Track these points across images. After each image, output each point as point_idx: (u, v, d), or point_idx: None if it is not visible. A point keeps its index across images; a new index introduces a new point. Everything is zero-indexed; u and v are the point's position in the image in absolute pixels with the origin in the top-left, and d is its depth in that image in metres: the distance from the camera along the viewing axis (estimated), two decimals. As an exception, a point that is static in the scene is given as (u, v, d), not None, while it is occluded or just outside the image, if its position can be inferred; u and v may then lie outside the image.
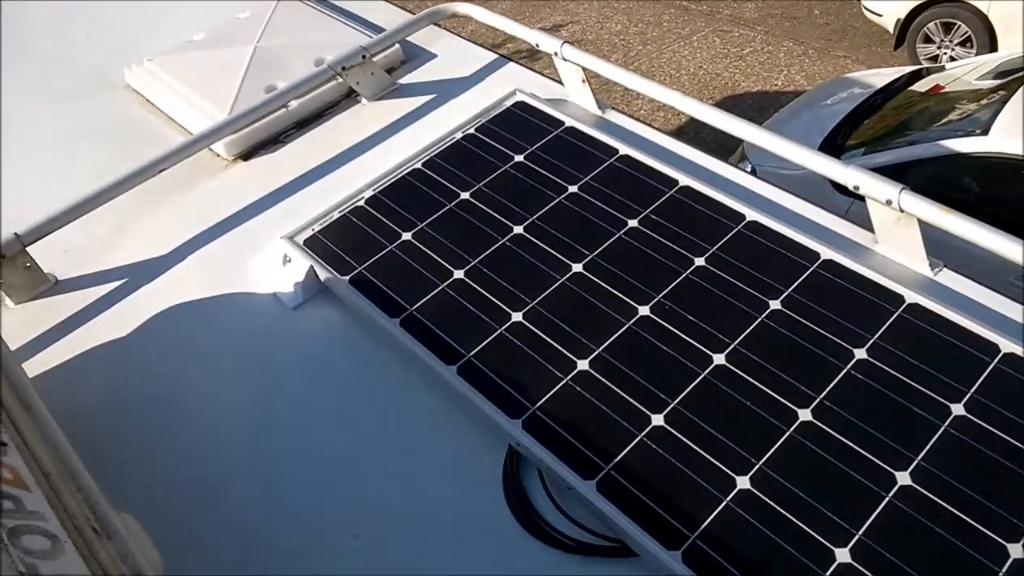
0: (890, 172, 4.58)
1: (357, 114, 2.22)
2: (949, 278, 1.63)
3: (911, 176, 4.74)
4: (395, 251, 1.75)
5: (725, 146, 5.76)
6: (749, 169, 5.25)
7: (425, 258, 1.73)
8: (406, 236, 1.78)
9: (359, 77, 2.19)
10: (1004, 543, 1.21)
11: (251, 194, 2.01)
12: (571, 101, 2.18)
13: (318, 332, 1.71)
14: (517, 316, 1.61)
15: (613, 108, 2.18)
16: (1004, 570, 1.19)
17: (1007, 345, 1.42)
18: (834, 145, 5.33)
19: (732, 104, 7.91)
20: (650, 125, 2.13)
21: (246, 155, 2.14)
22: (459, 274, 1.70)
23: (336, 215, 1.84)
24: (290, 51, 2.29)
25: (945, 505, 1.26)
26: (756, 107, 7.76)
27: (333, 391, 1.61)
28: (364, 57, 2.15)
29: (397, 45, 2.35)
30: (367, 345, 1.67)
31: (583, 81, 2.11)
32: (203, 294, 1.81)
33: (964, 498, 1.26)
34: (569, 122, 2.00)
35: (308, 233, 1.81)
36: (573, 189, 1.84)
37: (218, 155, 2.14)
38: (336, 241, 1.79)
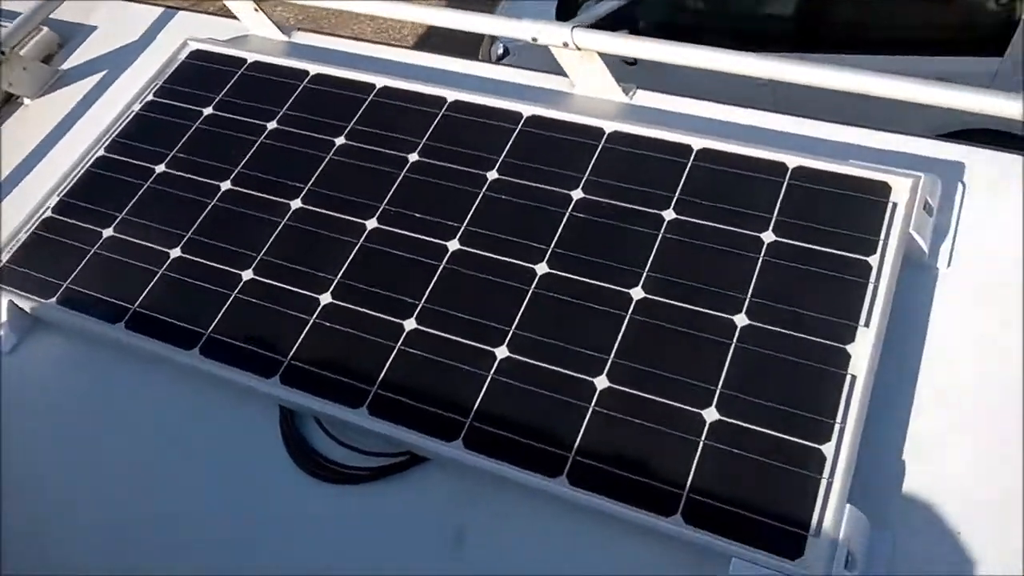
0: (624, 13, 4.70)
1: (22, 118, 1.99)
2: (644, 98, 1.69)
3: (644, 11, 4.88)
4: (100, 252, 1.61)
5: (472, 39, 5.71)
6: (501, 50, 5.24)
7: (135, 248, 1.60)
8: (108, 232, 1.63)
9: (9, 76, 1.95)
10: (730, 316, 1.30)
11: None
12: (253, 34, 2.04)
13: (45, 368, 1.55)
14: (247, 274, 1.53)
15: (301, 29, 2.07)
16: (734, 340, 1.28)
17: (699, 143, 1.49)
18: (571, 1, 5.39)
19: (470, -8, 7.83)
20: (355, 38, 2.04)
21: (-99, 203, 1.88)
22: (176, 252, 1.58)
23: (23, 236, 1.65)
24: (-83, 72, 2.00)
25: (676, 303, 1.33)
26: (494, -11, 7.71)
27: (82, 423, 1.48)
28: (4, 53, 1.91)
29: (45, 28, 2.10)
30: (103, 363, 1.54)
31: (256, 10, 1.98)
32: None
33: (689, 290, 1.34)
34: (252, 57, 1.88)
35: None
36: (273, 125, 1.74)
37: None
38: (31, 264, 1.61)
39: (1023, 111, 1.33)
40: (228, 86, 1.83)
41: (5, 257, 1.63)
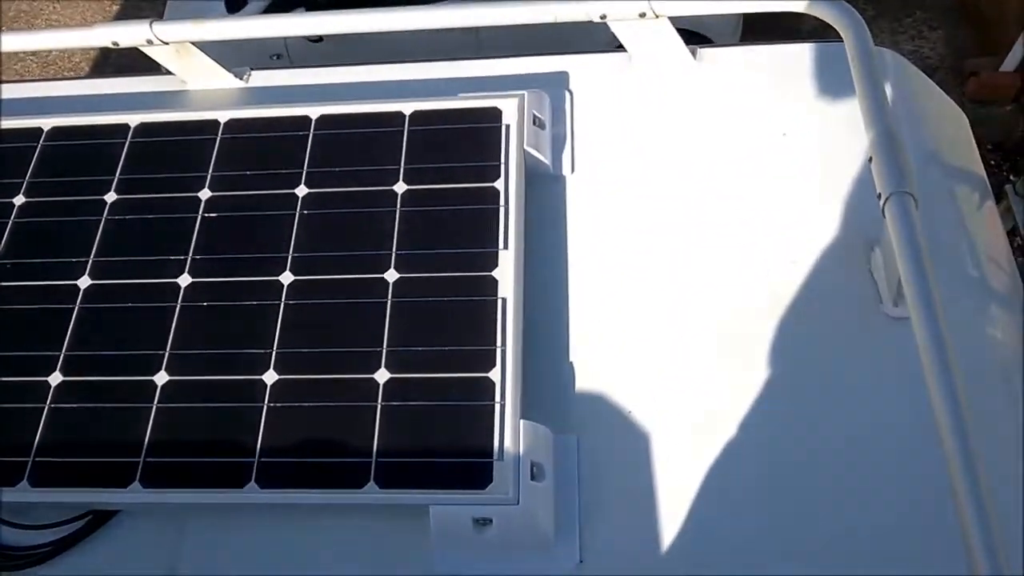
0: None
1: None
2: (261, 78, 1.63)
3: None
4: None
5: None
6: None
7: None
8: None
9: None
10: (381, 275, 1.29)
11: None
12: None
13: None
14: None
15: None
16: (389, 297, 1.28)
17: (316, 111, 1.46)
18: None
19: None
20: None
21: None
22: None
23: None
24: None
25: (326, 277, 1.31)
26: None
27: None
28: None
29: None
30: None
31: None
32: None
33: (337, 260, 1.32)
34: None
35: None
36: None
37: None
38: None
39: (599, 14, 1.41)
40: None
41: None
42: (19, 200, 1.45)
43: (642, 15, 1.40)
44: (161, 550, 1.22)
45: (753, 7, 1.44)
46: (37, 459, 1.22)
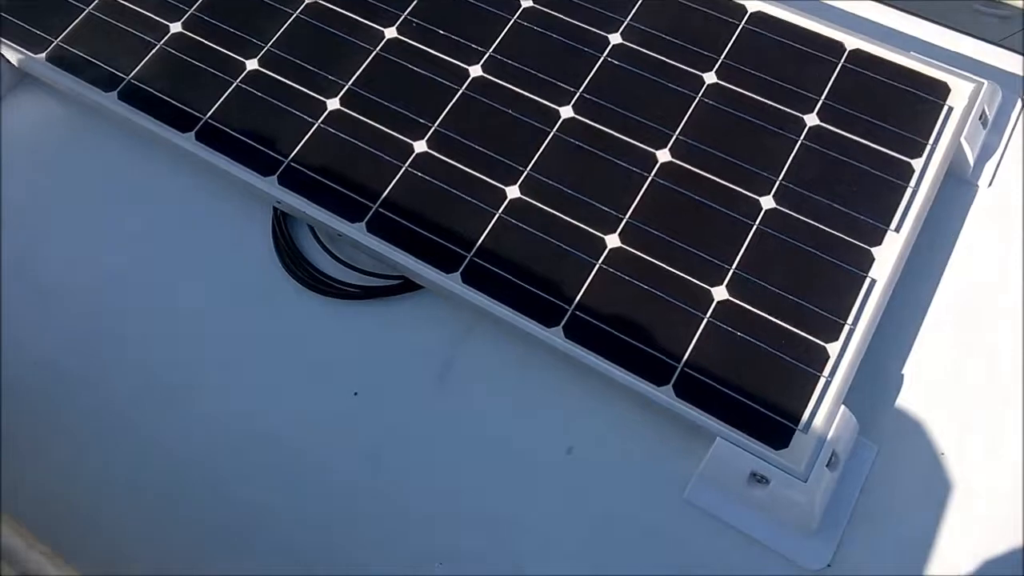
0: None
1: None
2: None
3: None
4: (94, 14, 1.47)
5: None
6: None
7: (133, 17, 1.47)
8: None
9: None
10: (757, 197, 1.24)
11: None
12: None
13: (25, 129, 1.46)
14: (252, 64, 1.41)
15: None
16: (757, 221, 1.22)
17: (755, 5, 1.37)
18: None
19: None
20: None
21: None
22: (176, 27, 1.45)
23: None
24: None
25: (702, 173, 1.25)
26: None
27: (66, 189, 1.41)
28: None
29: None
30: (92, 130, 1.45)
31: None
32: None
33: (718, 161, 1.26)
34: None
35: None
36: None
37: None
38: (24, 16, 1.48)
39: None
40: None
41: None
42: None
43: None
44: (445, 342, 1.27)
45: None
46: (380, 210, 1.28)
